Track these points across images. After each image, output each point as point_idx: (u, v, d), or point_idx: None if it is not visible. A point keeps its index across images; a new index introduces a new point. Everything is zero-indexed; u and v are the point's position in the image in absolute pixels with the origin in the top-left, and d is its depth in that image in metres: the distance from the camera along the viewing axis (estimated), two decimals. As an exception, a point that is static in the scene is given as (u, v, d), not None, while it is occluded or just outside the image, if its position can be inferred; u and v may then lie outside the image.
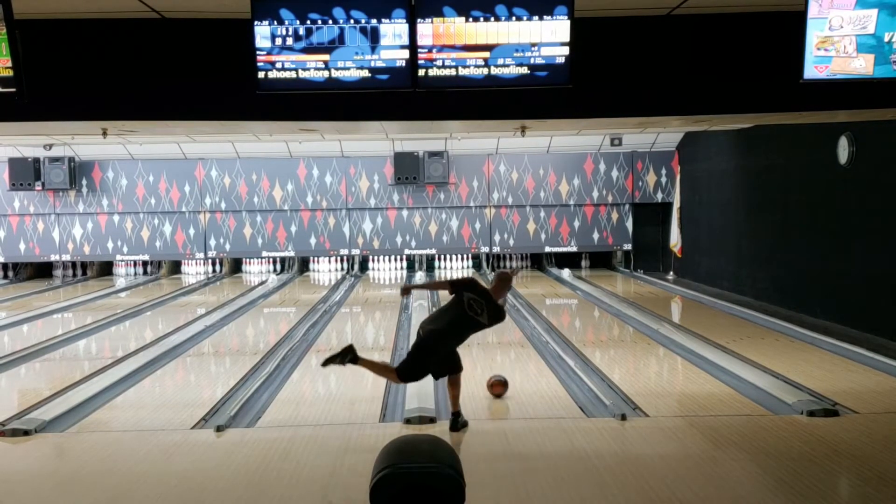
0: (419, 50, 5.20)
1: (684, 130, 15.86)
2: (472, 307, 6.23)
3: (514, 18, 5.18)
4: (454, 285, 6.37)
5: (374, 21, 5.18)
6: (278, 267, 18.50)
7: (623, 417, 6.56)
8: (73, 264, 18.39)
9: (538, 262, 18.56)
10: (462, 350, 10.08)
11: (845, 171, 10.25)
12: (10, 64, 5.19)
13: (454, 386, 6.43)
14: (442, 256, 18.30)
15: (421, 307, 12.53)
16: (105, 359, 9.33)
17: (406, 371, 6.38)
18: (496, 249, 17.73)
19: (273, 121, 6.43)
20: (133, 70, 5.86)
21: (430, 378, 7.87)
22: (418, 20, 5.17)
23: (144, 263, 18.40)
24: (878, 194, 9.62)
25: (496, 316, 6.33)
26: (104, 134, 8.00)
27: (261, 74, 5.25)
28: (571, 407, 7.07)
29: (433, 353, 6.32)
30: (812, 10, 5.22)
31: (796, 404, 6.80)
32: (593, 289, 14.79)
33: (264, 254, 17.83)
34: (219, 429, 6.45)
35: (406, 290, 6.78)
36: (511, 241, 17.67)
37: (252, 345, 10.44)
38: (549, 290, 15.22)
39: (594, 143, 16.92)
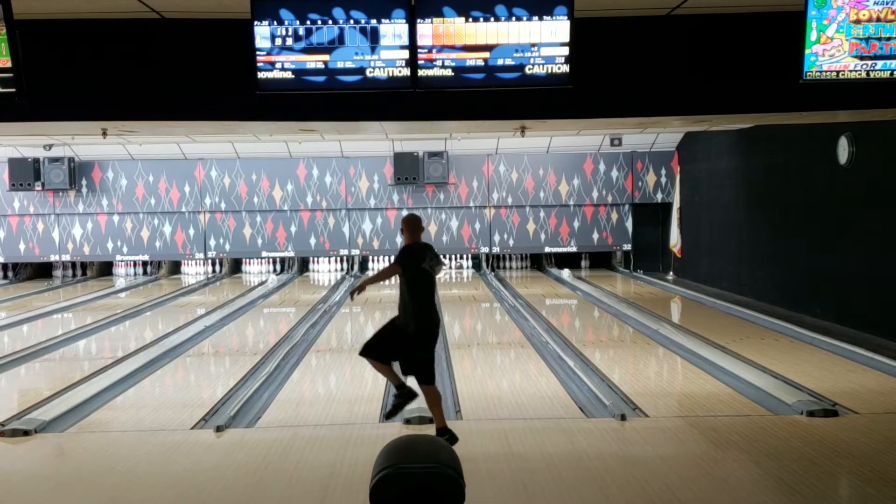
0: (419, 50, 5.20)
1: (684, 130, 15.87)
2: (435, 269, 6.05)
3: (513, 19, 5.18)
4: (402, 264, 5.98)
5: (373, 21, 5.18)
6: (278, 267, 18.50)
7: (623, 418, 6.56)
8: (73, 264, 18.39)
9: (538, 262, 18.57)
10: (462, 350, 10.11)
11: (845, 171, 10.25)
12: (10, 64, 5.19)
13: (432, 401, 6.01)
14: (444, 256, 18.29)
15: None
16: (105, 359, 9.33)
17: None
18: (496, 250, 17.73)
19: (273, 121, 6.42)
20: (133, 70, 5.85)
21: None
22: (418, 20, 5.17)
23: (144, 263, 18.41)
24: (878, 194, 9.62)
25: (439, 260, 6.21)
26: (104, 134, 8.00)
27: (261, 74, 5.25)
28: (571, 407, 7.07)
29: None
30: (812, 11, 5.22)
31: (796, 404, 6.80)
32: (593, 289, 14.79)
33: (264, 254, 17.83)
34: (219, 429, 6.45)
35: (359, 290, 6.15)
36: (511, 242, 17.67)
37: (252, 345, 10.44)
38: (549, 291, 15.22)
39: (594, 143, 16.92)
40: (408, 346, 5.93)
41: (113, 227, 17.69)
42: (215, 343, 10.54)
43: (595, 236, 17.71)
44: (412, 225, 6.11)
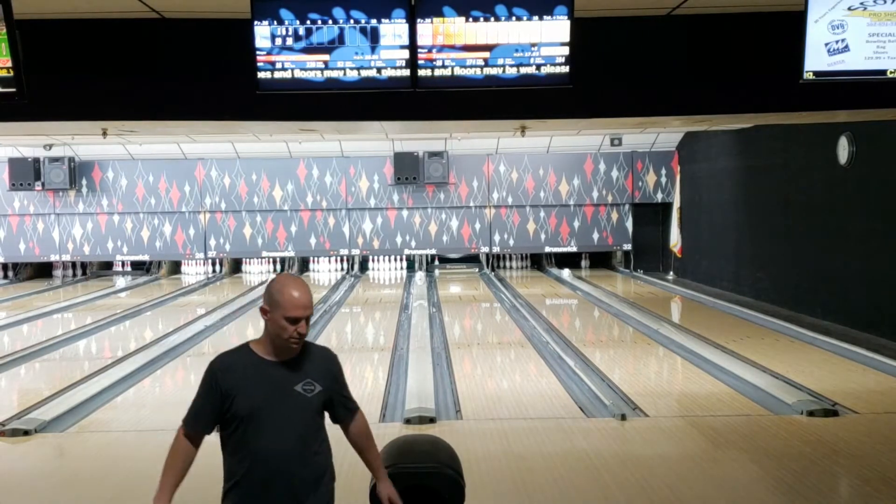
0: (419, 50, 5.20)
1: (684, 130, 15.86)
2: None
3: (513, 18, 5.18)
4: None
5: (373, 21, 5.18)
6: (278, 267, 18.49)
7: (623, 417, 6.56)
8: (73, 264, 18.39)
9: (538, 262, 18.56)
10: (462, 350, 10.11)
11: (845, 171, 10.25)
12: (10, 64, 5.19)
13: None
14: (444, 255, 18.32)
15: (421, 307, 12.53)
16: (105, 359, 9.33)
17: None
18: (496, 249, 17.73)
19: (273, 121, 6.42)
20: (133, 70, 5.85)
21: (429, 377, 7.88)
22: (418, 20, 5.16)
23: (144, 263, 18.41)
24: (878, 194, 9.62)
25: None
26: (104, 134, 8.00)
27: (261, 74, 5.24)
28: (571, 407, 7.07)
29: None
30: (811, 10, 5.22)
31: (796, 404, 6.79)
32: (593, 289, 14.79)
33: (264, 254, 17.82)
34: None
35: None
36: (511, 242, 17.67)
37: (252, 345, 10.42)
38: (549, 290, 15.22)
39: (594, 143, 16.91)
40: None
41: (113, 227, 17.68)
42: (215, 343, 10.52)
43: (595, 236, 17.70)
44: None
